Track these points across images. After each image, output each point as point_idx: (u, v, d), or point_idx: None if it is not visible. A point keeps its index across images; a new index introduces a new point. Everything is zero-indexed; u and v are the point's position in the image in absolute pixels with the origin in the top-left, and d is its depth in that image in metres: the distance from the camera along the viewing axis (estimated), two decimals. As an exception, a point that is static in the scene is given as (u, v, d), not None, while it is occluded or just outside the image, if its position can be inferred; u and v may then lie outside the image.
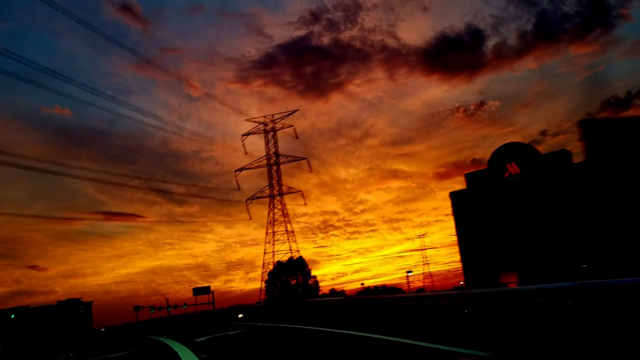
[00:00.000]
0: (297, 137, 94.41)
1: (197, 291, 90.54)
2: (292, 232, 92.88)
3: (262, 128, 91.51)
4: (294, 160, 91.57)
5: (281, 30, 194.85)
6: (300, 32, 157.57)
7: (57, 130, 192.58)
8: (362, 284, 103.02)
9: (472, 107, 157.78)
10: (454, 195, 62.33)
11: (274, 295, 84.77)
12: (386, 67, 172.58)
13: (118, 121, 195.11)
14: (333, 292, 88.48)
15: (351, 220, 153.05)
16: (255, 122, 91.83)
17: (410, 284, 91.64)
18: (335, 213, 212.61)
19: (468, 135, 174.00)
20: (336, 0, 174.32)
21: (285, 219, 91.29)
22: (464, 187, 61.58)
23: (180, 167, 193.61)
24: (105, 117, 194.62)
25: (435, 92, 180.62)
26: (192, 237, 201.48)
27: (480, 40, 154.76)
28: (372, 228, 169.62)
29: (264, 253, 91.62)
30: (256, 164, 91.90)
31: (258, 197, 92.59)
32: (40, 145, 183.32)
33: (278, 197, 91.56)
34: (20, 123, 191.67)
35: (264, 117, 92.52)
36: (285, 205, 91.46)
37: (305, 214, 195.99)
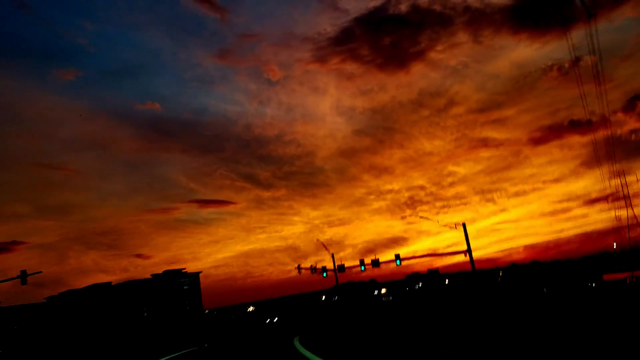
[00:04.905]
0: None
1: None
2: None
3: None
4: None
5: (356, 2, 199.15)
6: (377, 2, 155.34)
7: (149, 124, 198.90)
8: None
9: (566, 65, 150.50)
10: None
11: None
12: (470, 30, 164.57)
13: (204, 112, 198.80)
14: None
15: (440, 194, 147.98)
16: None
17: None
18: (422, 188, 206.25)
19: (564, 95, 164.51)
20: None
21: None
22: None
23: (264, 151, 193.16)
24: (192, 109, 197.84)
25: (524, 51, 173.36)
26: (281, 220, 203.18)
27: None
28: (463, 201, 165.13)
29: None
30: None
31: None
32: (134, 140, 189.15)
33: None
34: (114, 119, 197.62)
35: None
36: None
37: (390, 191, 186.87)
